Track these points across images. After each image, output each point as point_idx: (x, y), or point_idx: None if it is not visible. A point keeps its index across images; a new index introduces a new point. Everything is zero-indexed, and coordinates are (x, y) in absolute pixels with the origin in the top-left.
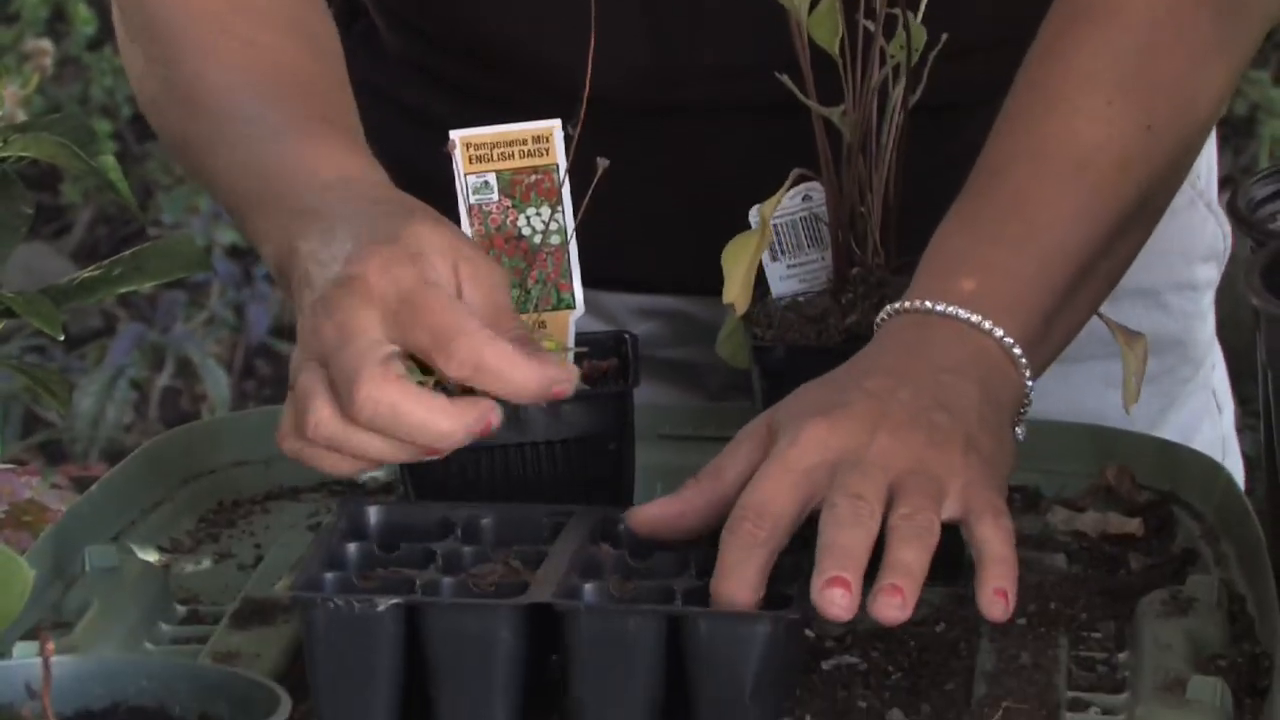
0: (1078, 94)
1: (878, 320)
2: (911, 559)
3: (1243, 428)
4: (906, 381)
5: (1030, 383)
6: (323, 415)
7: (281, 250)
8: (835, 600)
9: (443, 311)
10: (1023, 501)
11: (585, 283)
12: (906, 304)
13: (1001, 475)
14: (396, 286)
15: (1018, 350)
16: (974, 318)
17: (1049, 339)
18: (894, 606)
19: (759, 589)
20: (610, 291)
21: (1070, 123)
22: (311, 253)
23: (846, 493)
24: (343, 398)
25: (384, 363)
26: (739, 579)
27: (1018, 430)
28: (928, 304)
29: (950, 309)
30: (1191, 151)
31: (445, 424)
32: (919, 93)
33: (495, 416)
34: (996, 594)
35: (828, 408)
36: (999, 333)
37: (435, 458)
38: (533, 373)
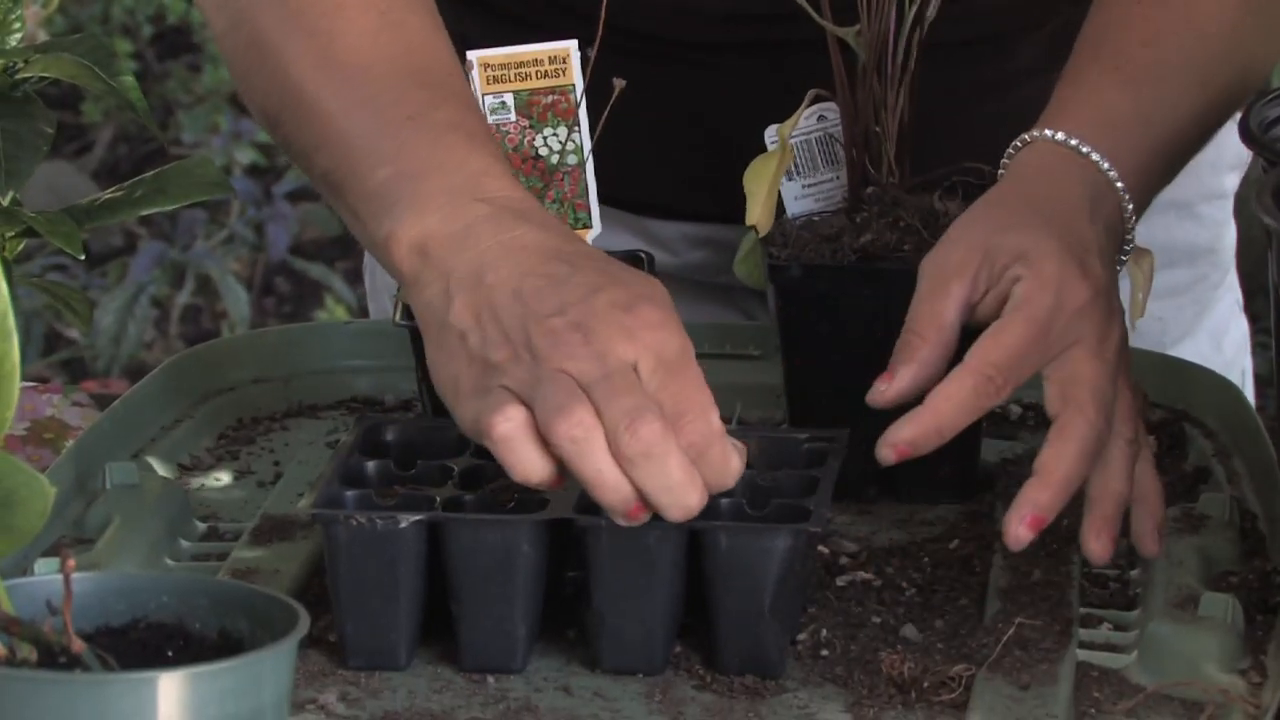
0: (1214, 6)
1: (1018, 143)
2: (1121, 493)
3: (1254, 346)
4: (1083, 226)
5: (1130, 244)
6: (585, 420)
7: (451, 238)
8: (1022, 538)
9: (698, 388)
10: (1036, 419)
11: (637, 210)
12: (1060, 138)
13: (1121, 319)
14: (663, 348)
15: (1131, 212)
16: (1114, 177)
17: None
18: (1102, 545)
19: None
20: (662, 219)
21: (1207, 26)
22: (546, 271)
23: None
24: (615, 420)
25: (662, 415)
26: (954, 417)
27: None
28: (1085, 148)
29: (1099, 160)
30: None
31: (694, 499)
32: (933, 11)
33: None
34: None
35: (1058, 239)
36: (1125, 193)
37: (634, 521)
38: (735, 475)
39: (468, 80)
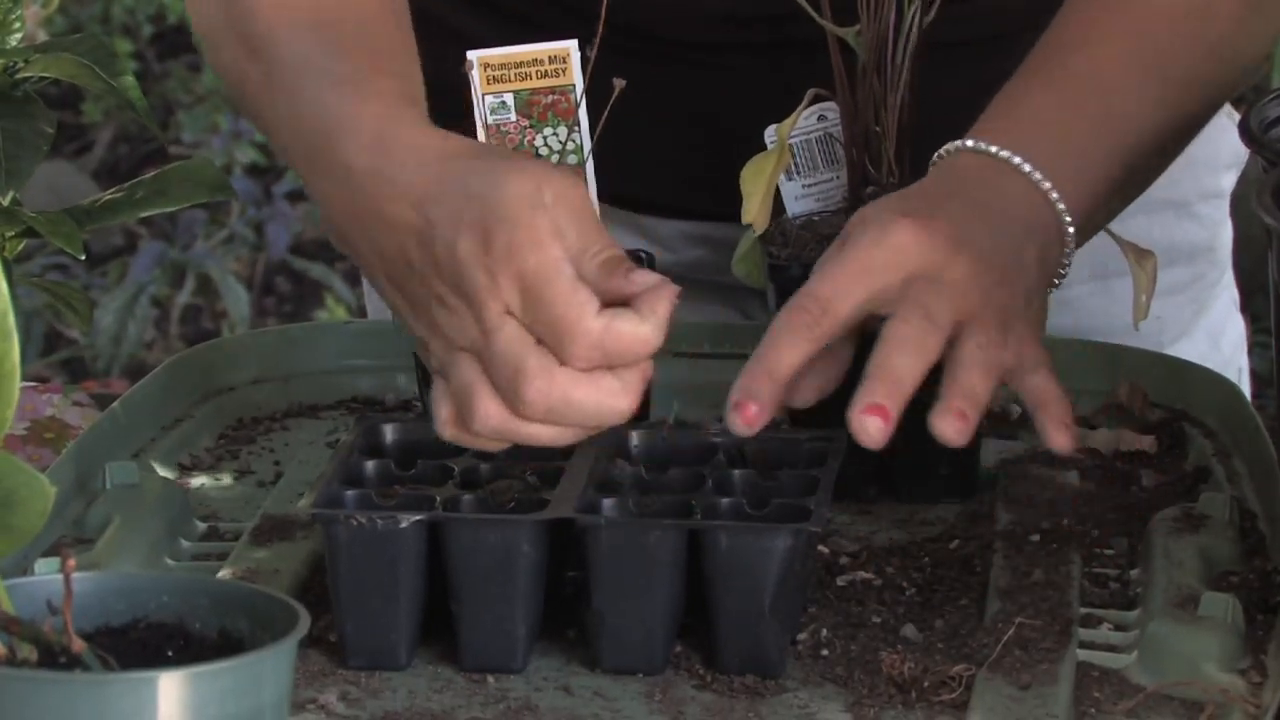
0: (1159, 1)
1: (943, 151)
2: (980, 388)
3: (1253, 345)
4: (985, 220)
5: (1068, 264)
6: (489, 410)
7: (345, 214)
8: (869, 428)
9: (565, 302)
10: None
11: (635, 209)
12: (982, 145)
13: (1040, 337)
14: (522, 273)
15: (1070, 223)
16: (1046, 185)
17: (1092, 224)
18: (958, 431)
19: (788, 379)
20: (661, 218)
21: (1150, 25)
22: (408, 224)
23: (919, 311)
24: (508, 394)
25: (542, 354)
26: (782, 364)
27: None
28: (1006, 154)
29: (1027, 166)
30: (1239, 87)
31: (622, 402)
32: (934, 11)
33: (650, 370)
34: (1065, 428)
35: (913, 212)
36: (1061, 207)
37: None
38: (656, 335)
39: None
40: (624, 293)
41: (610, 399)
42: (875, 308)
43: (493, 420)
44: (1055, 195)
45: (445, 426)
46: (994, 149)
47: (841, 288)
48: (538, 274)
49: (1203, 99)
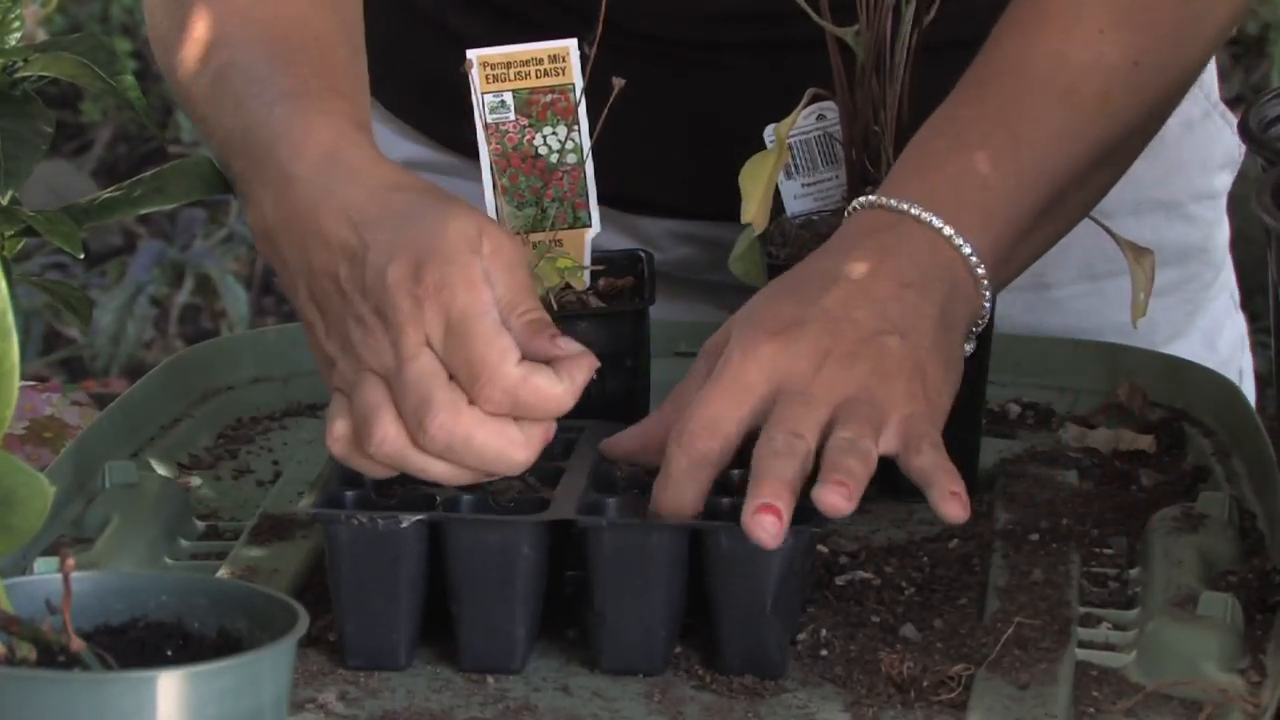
0: (1072, 18)
1: (850, 209)
2: (854, 466)
3: (1254, 345)
4: (866, 299)
5: (988, 303)
6: (389, 434)
7: (280, 222)
8: (766, 526)
9: (486, 343)
10: (1035, 418)
11: (622, 207)
12: (882, 200)
13: (944, 407)
14: (449, 309)
15: (982, 270)
16: (946, 229)
17: (1013, 259)
18: (840, 495)
19: (700, 505)
20: (650, 216)
21: (1061, 45)
22: (343, 243)
23: (784, 426)
24: (411, 422)
25: (453, 390)
26: (688, 492)
27: (967, 346)
28: (903, 205)
29: (924, 215)
30: (1175, 96)
31: (521, 454)
32: (933, 12)
33: (553, 431)
34: (951, 496)
35: (782, 326)
36: (967, 250)
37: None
38: (569, 398)
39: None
40: (547, 354)
41: (510, 447)
42: (755, 423)
43: (389, 445)
44: (960, 241)
45: (337, 443)
46: (892, 201)
47: (721, 411)
48: (465, 312)
49: (1127, 113)
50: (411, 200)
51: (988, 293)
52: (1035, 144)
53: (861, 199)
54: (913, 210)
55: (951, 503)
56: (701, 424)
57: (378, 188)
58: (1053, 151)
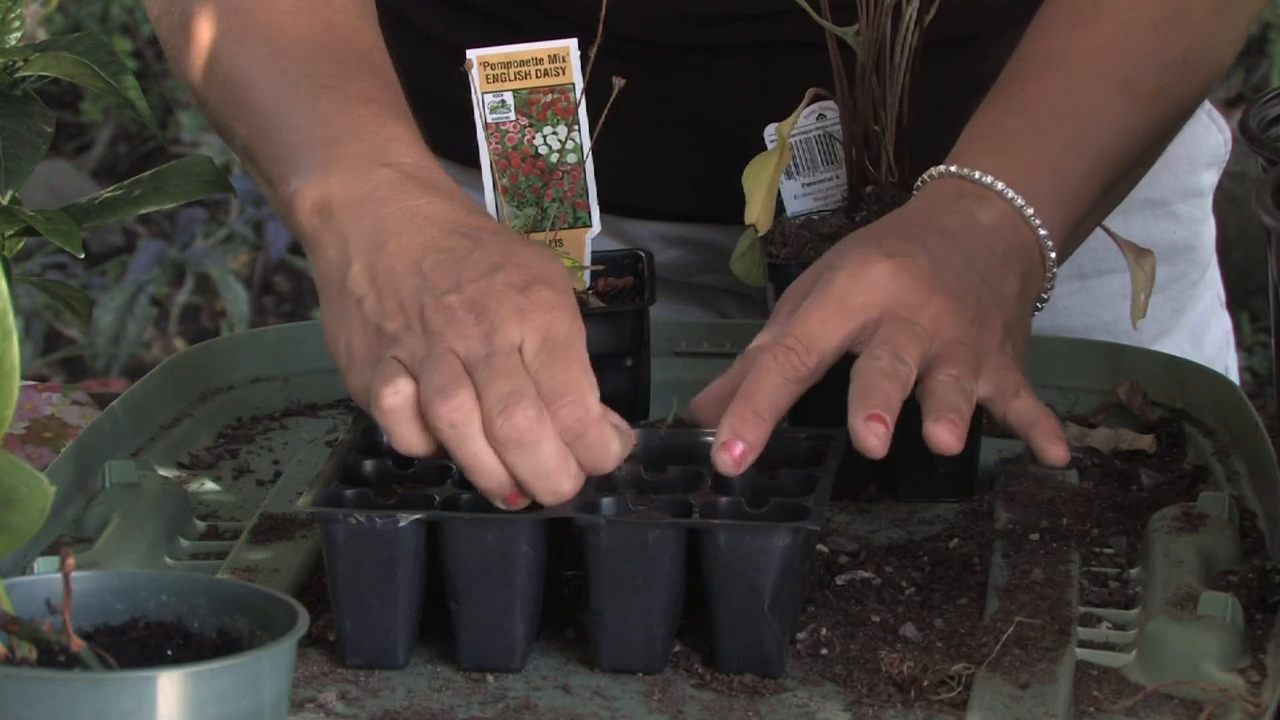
0: (1127, 13)
1: (926, 177)
2: (962, 405)
3: (1252, 345)
4: (962, 253)
5: (1051, 284)
6: (465, 406)
7: (350, 199)
8: (876, 432)
9: (579, 372)
10: None
11: (613, 211)
12: (964, 171)
13: (1022, 363)
14: (551, 329)
15: (1052, 251)
16: (1028, 209)
17: (1074, 240)
18: (953, 433)
19: (777, 420)
20: (639, 220)
21: (1119, 38)
22: (442, 235)
23: (891, 348)
24: (492, 406)
25: (538, 400)
26: (768, 407)
27: None
28: (989, 180)
29: (1008, 191)
30: (1208, 92)
31: (568, 485)
32: (933, 11)
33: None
34: (1057, 438)
35: (892, 252)
36: (1043, 232)
37: (512, 507)
38: (613, 459)
39: (470, 81)
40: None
41: (565, 472)
42: (853, 345)
43: (459, 415)
44: (1035, 218)
45: (396, 396)
46: (976, 174)
47: (823, 327)
48: (569, 336)
49: (1174, 106)
50: (504, 228)
51: (1054, 270)
52: (1098, 134)
53: (938, 168)
54: (997, 185)
55: (1057, 444)
56: (800, 338)
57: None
58: (1113, 142)
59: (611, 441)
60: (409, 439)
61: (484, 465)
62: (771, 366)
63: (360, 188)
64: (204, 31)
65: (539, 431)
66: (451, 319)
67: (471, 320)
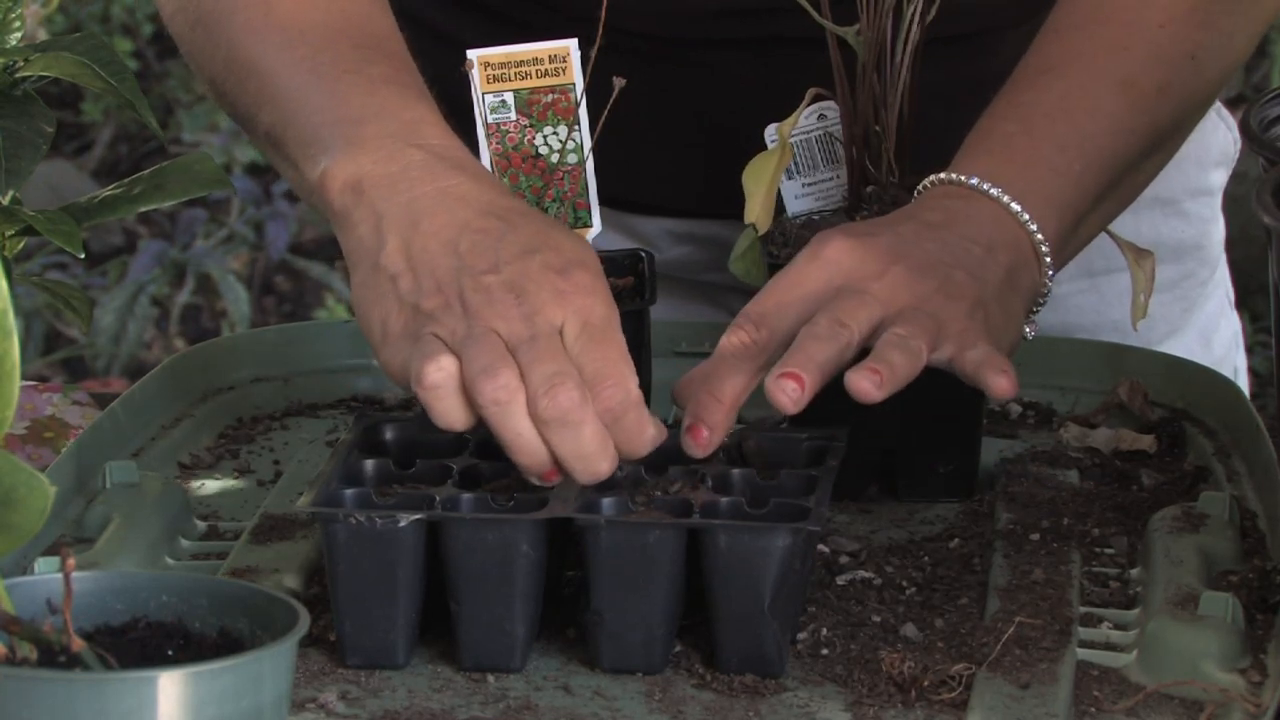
0: (1134, 12)
1: (920, 187)
2: (896, 359)
3: (1252, 345)
4: (937, 238)
5: (1050, 282)
6: (511, 383)
7: (385, 177)
8: (786, 390)
9: (619, 356)
10: (1036, 418)
11: (620, 207)
12: (954, 176)
13: (1002, 347)
14: (590, 313)
15: (1046, 248)
16: (1015, 206)
17: (1073, 241)
18: (870, 381)
19: (737, 401)
20: (646, 216)
21: (1122, 38)
22: (478, 216)
23: (831, 314)
24: (537, 385)
25: (581, 383)
26: (725, 379)
27: (1027, 330)
28: (975, 181)
29: (995, 190)
30: (1225, 84)
31: (605, 466)
32: (933, 11)
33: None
34: (1000, 372)
35: (853, 233)
36: (1034, 228)
37: (548, 483)
38: (649, 443)
39: (471, 78)
40: None
41: (603, 454)
42: (809, 317)
43: (505, 393)
44: (1027, 217)
45: (440, 372)
46: (965, 178)
47: (776, 305)
48: (607, 320)
49: (1182, 103)
50: (533, 210)
51: (1050, 272)
52: (1097, 133)
53: (933, 176)
54: (984, 186)
55: (1001, 376)
56: (752, 316)
57: (498, 182)
58: (1113, 140)
59: (648, 426)
60: (450, 414)
61: (526, 443)
62: (726, 348)
63: (391, 166)
64: (220, 24)
65: (582, 413)
66: (490, 299)
67: (511, 301)
